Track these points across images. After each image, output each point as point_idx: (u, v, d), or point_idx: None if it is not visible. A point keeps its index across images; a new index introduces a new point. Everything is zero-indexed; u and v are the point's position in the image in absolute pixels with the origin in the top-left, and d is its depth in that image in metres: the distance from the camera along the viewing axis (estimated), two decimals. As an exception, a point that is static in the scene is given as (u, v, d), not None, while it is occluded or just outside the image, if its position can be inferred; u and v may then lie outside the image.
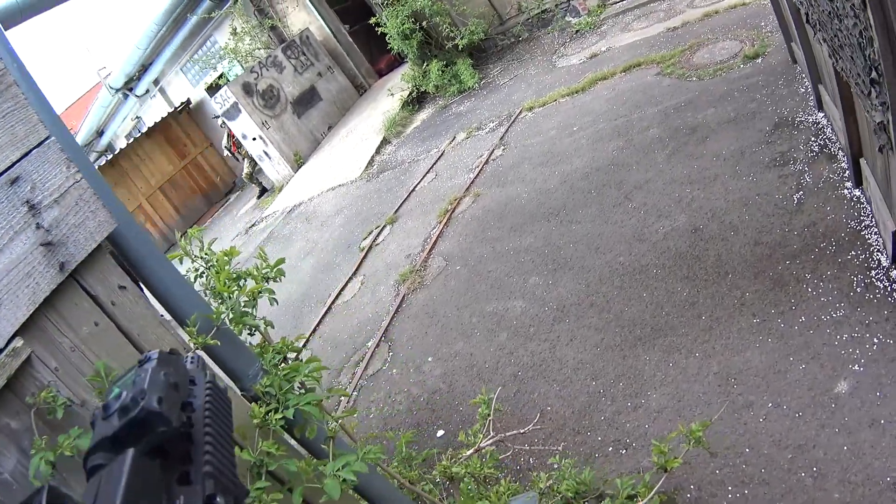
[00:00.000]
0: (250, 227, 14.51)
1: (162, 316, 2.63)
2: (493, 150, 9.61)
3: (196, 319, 2.57)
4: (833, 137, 5.42)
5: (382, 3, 14.25)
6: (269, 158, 16.41)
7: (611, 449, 3.97)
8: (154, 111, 21.69)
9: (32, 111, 2.40)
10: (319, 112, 17.37)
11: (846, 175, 4.93)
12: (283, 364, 2.76)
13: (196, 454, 0.81)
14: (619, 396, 4.29)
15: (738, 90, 7.08)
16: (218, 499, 0.76)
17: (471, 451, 3.04)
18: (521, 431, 3.45)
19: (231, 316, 2.70)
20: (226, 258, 2.97)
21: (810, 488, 3.19)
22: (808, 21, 4.06)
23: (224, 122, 16.65)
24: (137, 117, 22.54)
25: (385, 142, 13.57)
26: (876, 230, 4.31)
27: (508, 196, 7.84)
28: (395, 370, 5.92)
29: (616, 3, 13.28)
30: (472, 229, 7.60)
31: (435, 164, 10.70)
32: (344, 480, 2.42)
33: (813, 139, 5.58)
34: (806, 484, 3.21)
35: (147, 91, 21.74)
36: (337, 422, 2.70)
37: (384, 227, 9.24)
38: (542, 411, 4.37)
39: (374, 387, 5.87)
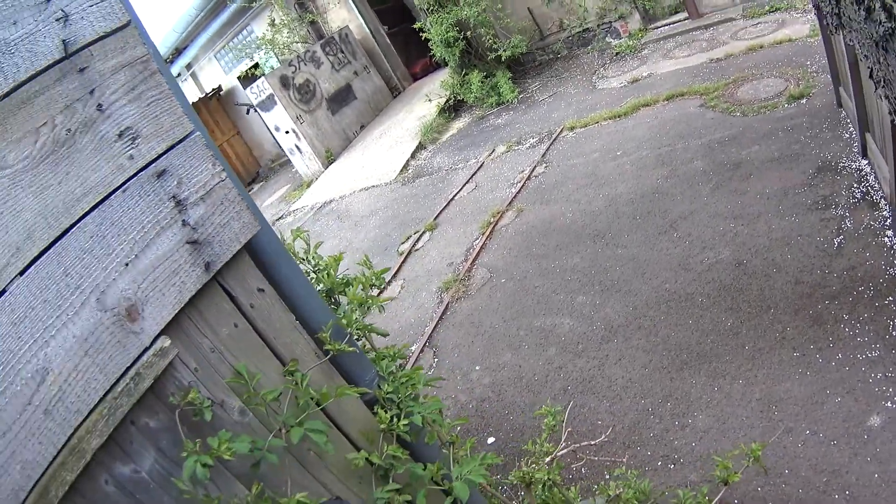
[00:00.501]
0: (277, 220, 14.64)
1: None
2: (535, 166, 9.86)
3: (331, 327, 2.63)
4: (876, 185, 5.70)
5: (427, 10, 14.51)
6: (300, 153, 16.65)
7: (659, 463, 4.28)
8: (186, 95, 21.79)
9: (177, 102, 2.40)
10: (353, 111, 17.64)
11: (888, 223, 5.22)
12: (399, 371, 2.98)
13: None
14: (666, 415, 4.59)
15: (783, 130, 7.36)
16: None
17: (549, 458, 3.31)
18: (593, 443, 3.76)
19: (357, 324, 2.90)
20: (335, 262, 3.23)
21: (844, 510, 3.53)
22: (871, 76, 4.25)
23: (255, 111, 16.89)
24: None
25: (421, 147, 13.82)
26: None
27: (552, 214, 8.11)
28: (441, 376, 6.15)
29: (658, 27, 13.56)
30: (517, 244, 7.86)
31: (474, 174, 10.94)
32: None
33: (855, 185, 5.87)
34: (840, 506, 3.56)
35: (179, 74, 22.17)
36: (453, 427, 2.92)
37: (423, 232, 9.44)
38: (597, 424, 4.69)
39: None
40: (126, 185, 2.18)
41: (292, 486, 2.30)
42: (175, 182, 2.33)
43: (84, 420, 1.89)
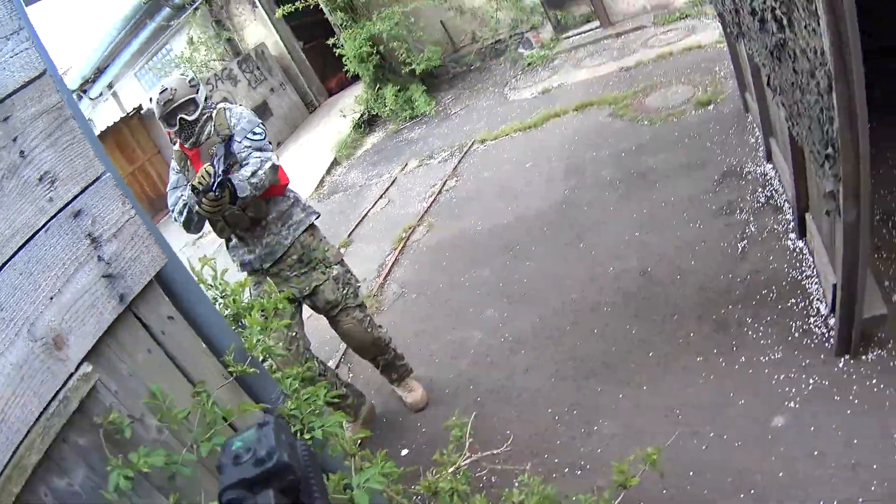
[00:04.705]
0: (199, 239, 14.69)
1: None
2: (447, 180, 10.13)
3: (233, 350, 2.90)
4: (780, 189, 6.04)
5: (341, 25, 14.77)
6: (217, 171, 16.49)
7: (567, 470, 4.48)
8: (106, 115, 21.79)
9: (88, 145, 2.61)
10: (270, 128, 17.56)
11: (791, 227, 5.53)
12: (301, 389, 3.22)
13: (308, 495, 1.31)
14: (574, 423, 4.79)
15: (690, 137, 7.75)
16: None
17: (452, 468, 3.48)
18: (495, 452, 3.95)
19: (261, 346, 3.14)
20: (240, 288, 3.47)
21: (750, 508, 3.77)
22: (768, 84, 4.50)
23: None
24: (89, 119, 22.65)
25: (336, 163, 14.01)
26: (817, 280, 4.87)
27: (463, 228, 8.37)
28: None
29: (570, 37, 13.99)
30: (428, 258, 8.09)
31: (387, 189, 11.16)
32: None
33: (760, 190, 6.22)
34: (746, 504, 3.80)
35: (101, 94, 22.21)
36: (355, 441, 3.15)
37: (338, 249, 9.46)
38: (506, 434, 4.84)
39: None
40: (48, 225, 2.40)
41: (206, 497, 2.55)
42: (90, 221, 2.55)
43: (24, 438, 2.09)
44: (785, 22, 3.29)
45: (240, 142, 4.75)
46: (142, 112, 21.04)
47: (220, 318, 3.09)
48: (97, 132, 20.23)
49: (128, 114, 20.89)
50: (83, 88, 21.27)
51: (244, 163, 4.69)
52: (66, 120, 2.59)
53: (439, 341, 6.39)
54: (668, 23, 12.36)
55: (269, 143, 4.88)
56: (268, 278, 4.97)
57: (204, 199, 4.48)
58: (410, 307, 7.23)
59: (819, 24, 2.63)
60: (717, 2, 5.98)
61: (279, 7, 15.48)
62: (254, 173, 4.60)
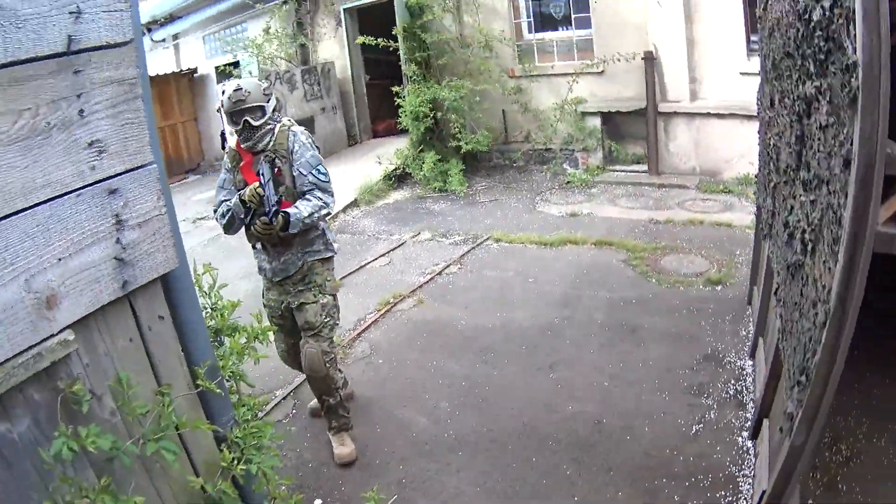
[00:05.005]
0: (199, 219, 14.51)
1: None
2: (451, 264, 10.30)
3: (207, 365, 3.12)
4: (751, 388, 6.20)
5: (411, 77, 15.17)
6: (241, 166, 16.57)
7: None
8: (160, 62, 22.24)
9: (146, 131, 2.75)
10: (308, 145, 17.76)
11: (747, 426, 5.69)
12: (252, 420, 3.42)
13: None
14: (483, 537, 4.93)
15: (689, 310, 7.96)
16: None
17: None
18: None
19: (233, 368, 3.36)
20: (232, 307, 3.67)
21: None
22: (776, 292, 4.67)
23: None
24: None
25: (355, 204, 14.16)
26: (751, 482, 5.04)
27: (449, 316, 8.51)
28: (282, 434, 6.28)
29: (616, 171, 14.32)
30: (406, 331, 8.21)
31: (393, 249, 11.34)
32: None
33: (733, 382, 6.40)
34: None
35: (164, 40, 22.48)
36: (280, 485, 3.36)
37: (324, 289, 9.60)
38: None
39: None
40: (82, 191, 2.52)
41: (134, 489, 2.72)
42: (122, 202, 2.69)
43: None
44: (809, 248, 3.51)
45: (304, 175, 5.24)
46: (194, 75, 21.50)
47: (205, 332, 3.28)
48: (148, 75, 20.64)
49: (182, 71, 21.46)
50: (149, 26, 21.54)
51: (304, 197, 5.20)
52: (135, 98, 2.73)
53: (386, 412, 6.51)
54: (710, 192, 12.62)
55: (330, 182, 5.36)
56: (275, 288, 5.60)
57: (258, 222, 5.05)
58: (371, 371, 7.35)
59: (835, 266, 2.85)
60: (759, 195, 6.23)
61: (361, 35, 15.85)
62: (311, 214, 5.17)
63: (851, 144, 2.62)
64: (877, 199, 2.61)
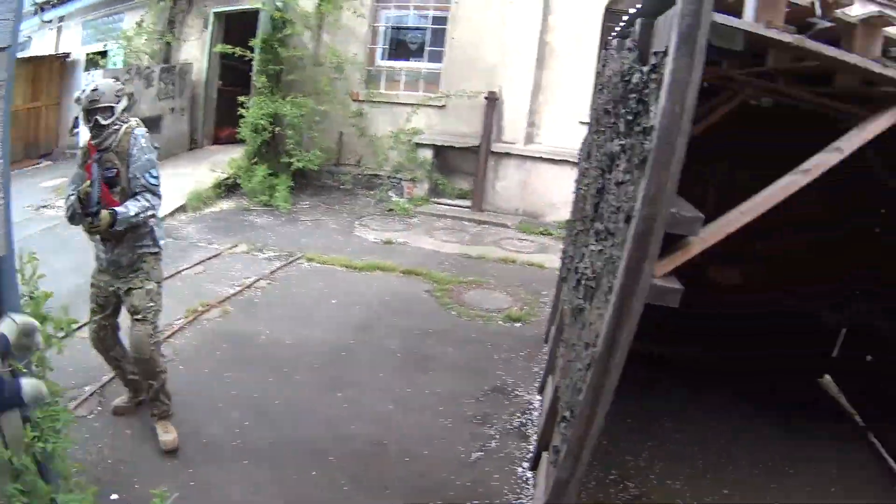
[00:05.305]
0: (42, 207, 14.00)
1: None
2: (261, 279, 10.30)
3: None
4: (535, 422, 6.50)
5: (259, 89, 15.18)
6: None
7: None
8: (42, 44, 21.78)
9: (3, 131, 2.85)
10: (149, 145, 17.38)
11: (528, 458, 5.95)
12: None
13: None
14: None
15: (484, 343, 8.30)
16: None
17: None
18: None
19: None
20: (45, 297, 3.81)
21: None
22: (560, 332, 4.93)
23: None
24: (28, 38, 22.09)
25: (182, 209, 13.92)
26: None
27: (252, 329, 8.50)
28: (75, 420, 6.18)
29: (440, 203, 14.79)
30: (209, 341, 8.15)
31: (210, 258, 11.22)
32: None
33: (519, 415, 6.70)
34: None
35: (51, 21, 21.78)
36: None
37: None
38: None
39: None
40: None
41: None
42: None
43: None
44: (590, 294, 3.74)
45: (138, 178, 5.54)
46: (66, 59, 20.87)
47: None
48: (28, 54, 20.19)
49: (55, 54, 20.80)
50: (42, 6, 21.07)
51: (134, 197, 5.53)
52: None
53: (180, 418, 6.32)
54: (529, 232, 13.24)
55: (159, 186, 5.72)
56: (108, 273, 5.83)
57: (85, 223, 5.32)
58: (172, 376, 7.02)
59: (605, 313, 3.04)
60: (566, 240, 6.55)
61: (226, 41, 15.90)
62: (137, 214, 5.46)
63: (635, 202, 2.82)
64: (653, 255, 2.78)
